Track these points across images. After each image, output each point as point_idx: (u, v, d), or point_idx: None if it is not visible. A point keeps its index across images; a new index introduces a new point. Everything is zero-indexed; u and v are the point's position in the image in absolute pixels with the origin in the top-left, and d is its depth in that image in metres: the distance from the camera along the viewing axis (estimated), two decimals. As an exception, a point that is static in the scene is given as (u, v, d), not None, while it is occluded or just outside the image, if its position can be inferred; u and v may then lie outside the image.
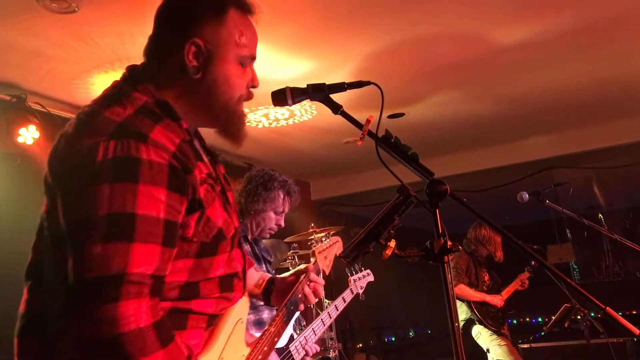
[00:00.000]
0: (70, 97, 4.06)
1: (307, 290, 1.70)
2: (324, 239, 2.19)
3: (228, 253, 1.30)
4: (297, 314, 1.75)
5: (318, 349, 2.42)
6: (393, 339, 9.48)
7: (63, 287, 1.07)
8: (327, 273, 1.95)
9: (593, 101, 5.05)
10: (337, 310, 2.72)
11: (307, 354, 2.27)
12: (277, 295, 1.70)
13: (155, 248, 1.07)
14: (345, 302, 2.79)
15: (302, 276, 1.73)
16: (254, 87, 1.40)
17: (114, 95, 1.23)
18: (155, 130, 1.13)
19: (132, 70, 1.32)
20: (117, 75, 3.87)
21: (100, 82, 3.87)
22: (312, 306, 4.67)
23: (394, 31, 3.52)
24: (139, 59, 3.94)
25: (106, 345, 1.01)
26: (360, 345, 7.80)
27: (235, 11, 1.32)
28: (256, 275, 1.78)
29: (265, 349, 1.48)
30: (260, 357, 1.45)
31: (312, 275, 1.75)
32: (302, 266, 1.80)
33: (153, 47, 1.33)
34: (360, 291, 3.00)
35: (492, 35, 3.66)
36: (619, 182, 7.57)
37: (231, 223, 1.31)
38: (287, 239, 4.75)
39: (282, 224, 2.85)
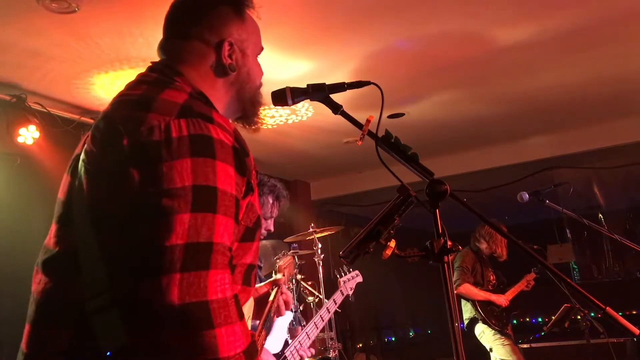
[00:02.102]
0: (70, 97, 4.06)
1: (281, 301, 1.80)
2: (285, 254, 2.30)
3: (257, 242, 1.36)
4: (281, 319, 1.92)
5: (313, 352, 2.43)
6: (393, 339, 9.48)
7: (111, 263, 1.09)
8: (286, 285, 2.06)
9: (593, 101, 5.05)
10: (329, 312, 2.73)
11: (302, 358, 2.30)
12: (255, 304, 1.73)
13: (231, 222, 1.12)
14: (336, 303, 2.82)
15: (276, 289, 1.84)
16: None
17: (158, 82, 1.27)
18: (215, 114, 1.20)
19: (162, 65, 1.36)
20: (117, 75, 3.90)
21: (100, 82, 3.87)
22: (312, 306, 4.67)
23: (394, 31, 3.52)
24: (139, 59, 3.93)
25: (193, 310, 1.01)
26: (360, 345, 7.80)
27: (249, 11, 1.46)
28: None
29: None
30: None
31: (283, 288, 1.86)
32: (278, 276, 1.93)
33: (180, 48, 1.38)
34: (350, 292, 3.02)
35: (492, 35, 3.66)
36: (619, 182, 7.57)
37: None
38: (287, 239, 4.75)
39: (272, 228, 2.84)
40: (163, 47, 1.41)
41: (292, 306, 1.94)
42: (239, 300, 1.11)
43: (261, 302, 1.75)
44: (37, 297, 1.20)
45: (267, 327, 1.73)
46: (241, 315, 1.09)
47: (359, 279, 3.16)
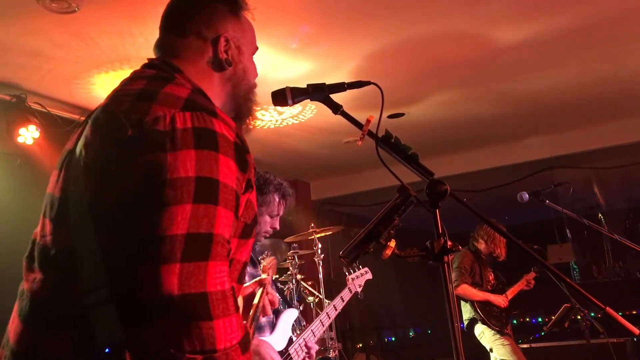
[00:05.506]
0: (70, 97, 4.06)
1: (266, 301, 1.80)
2: (268, 254, 2.28)
3: (253, 239, 1.35)
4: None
5: (317, 347, 2.42)
6: (393, 339, 9.48)
7: (110, 256, 1.08)
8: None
9: (593, 101, 5.05)
10: (336, 310, 2.71)
11: (307, 355, 2.29)
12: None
13: (231, 215, 1.13)
14: (343, 301, 2.79)
15: (262, 288, 1.84)
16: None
17: (158, 77, 1.27)
18: (218, 109, 1.21)
19: (160, 61, 1.36)
20: (117, 75, 3.90)
21: (101, 82, 3.87)
22: (312, 306, 4.67)
23: (394, 31, 3.52)
24: (139, 59, 3.96)
25: (192, 301, 1.01)
26: (360, 345, 7.80)
27: (244, 12, 1.48)
28: None
29: None
30: None
31: (269, 288, 1.87)
32: (264, 276, 1.92)
33: (176, 44, 1.39)
34: (359, 289, 2.99)
35: (492, 35, 3.66)
36: (619, 182, 7.57)
37: None
38: (287, 239, 4.75)
39: (277, 226, 2.83)
40: (159, 44, 1.42)
41: (278, 306, 1.93)
42: (235, 292, 1.11)
43: (247, 302, 1.77)
44: (33, 295, 1.18)
45: (256, 327, 1.75)
46: (237, 308, 1.09)
47: (369, 275, 3.13)
